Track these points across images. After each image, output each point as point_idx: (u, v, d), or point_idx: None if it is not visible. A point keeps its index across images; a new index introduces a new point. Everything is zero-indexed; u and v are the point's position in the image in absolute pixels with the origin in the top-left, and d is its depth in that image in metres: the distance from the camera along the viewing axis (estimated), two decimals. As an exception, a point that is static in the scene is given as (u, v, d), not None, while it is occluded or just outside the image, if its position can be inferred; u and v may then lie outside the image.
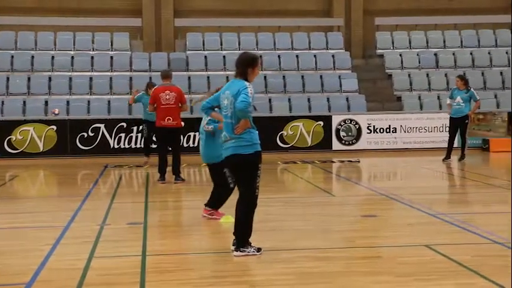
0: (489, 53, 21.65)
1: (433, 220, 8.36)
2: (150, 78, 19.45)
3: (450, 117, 15.54)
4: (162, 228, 8.36)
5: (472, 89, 15.40)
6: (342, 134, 18.54)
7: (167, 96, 12.06)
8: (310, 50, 21.67)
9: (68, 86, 19.55)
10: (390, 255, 6.64)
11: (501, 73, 20.94)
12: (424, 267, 6.04)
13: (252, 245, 6.60)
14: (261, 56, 19.57)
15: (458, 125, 15.32)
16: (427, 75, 20.83)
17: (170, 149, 12.32)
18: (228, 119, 6.62)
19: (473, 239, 7.27)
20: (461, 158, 15.39)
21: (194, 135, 17.68)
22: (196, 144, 17.75)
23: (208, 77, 20.11)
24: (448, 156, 15.42)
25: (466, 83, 15.39)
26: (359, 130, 18.57)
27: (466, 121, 15.29)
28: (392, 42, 22.14)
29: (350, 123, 18.56)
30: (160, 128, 12.22)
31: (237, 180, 6.75)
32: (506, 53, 21.64)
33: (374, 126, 18.64)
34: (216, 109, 7.22)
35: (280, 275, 5.87)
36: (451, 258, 6.28)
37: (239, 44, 21.37)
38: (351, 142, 18.53)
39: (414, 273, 5.84)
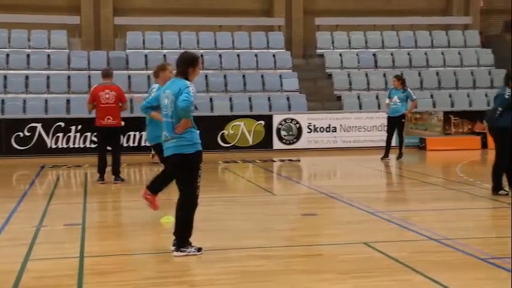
0: (425, 53, 22.10)
1: (371, 218, 8.49)
2: (89, 77, 19.21)
3: (388, 117, 15.81)
4: (101, 229, 8.24)
5: (408, 89, 15.71)
6: (283, 133, 18.64)
7: (107, 95, 11.91)
8: (251, 49, 21.72)
9: (2, 85, 19.06)
10: (330, 253, 6.72)
11: (437, 73, 21.42)
12: (363, 265, 6.12)
13: (192, 245, 6.57)
14: (202, 55, 19.51)
15: (395, 124, 15.61)
16: (366, 75, 21.14)
17: (109, 148, 12.17)
18: (169, 118, 6.57)
19: (410, 236, 7.42)
20: (399, 156, 15.68)
21: (134, 135, 17.50)
22: (136, 144, 17.59)
23: (148, 76, 19.90)
24: (386, 155, 15.69)
25: (403, 82, 15.69)
26: (299, 129, 18.71)
27: (403, 120, 15.59)
28: (332, 42, 22.39)
29: (291, 122, 18.68)
30: (99, 127, 12.05)
31: (177, 180, 6.72)
32: (442, 53, 22.14)
33: (314, 125, 18.81)
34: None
35: (222, 275, 5.86)
36: (389, 255, 6.39)
37: (180, 43, 21.25)
38: (291, 141, 18.65)
39: (353, 271, 5.91)
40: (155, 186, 8.26)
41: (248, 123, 18.48)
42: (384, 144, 15.98)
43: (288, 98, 19.80)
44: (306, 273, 5.88)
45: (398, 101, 15.49)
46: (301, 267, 6.09)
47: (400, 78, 15.84)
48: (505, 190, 9.83)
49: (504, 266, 5.93)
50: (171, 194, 8.15)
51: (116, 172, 12.07)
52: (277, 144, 18.56)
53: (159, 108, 6.87)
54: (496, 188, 9.96)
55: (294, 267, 6.11)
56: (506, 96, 9.82)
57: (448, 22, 24.02)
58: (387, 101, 15.81)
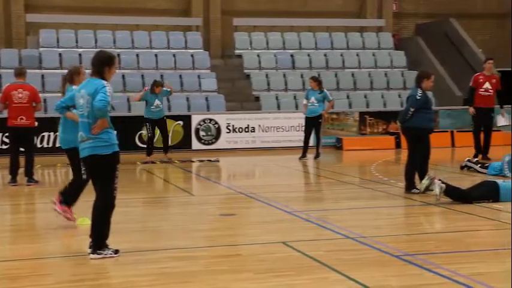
0: (341, 55, 22.52)
1: (289, 217, 8.59)
2: (0, 76, 18.58)
3: (305, 117, 16.03)
4: (13, 232, 7.99)
5: (325, 90, 15.96)
6: (202, 133, 18.60)
7: (20, 95, 11.57)
8: (169, 49, 21.56)
9: None
10: (249, 252, 6.75)
11: (352, 74, 21.86)
12: (281, 264, 6.18)
13: (109, 247, 6.47)
14: (118, 55, 19.22)
15: (313, 124, 15.84)
16: (284, 75, 21.36)
17: (22, 149, 11.82)
18: (85, 118, 6.46)
19: (327, 234, 7.54)
20: (317, 156, 15.91)
21: (49, 135, 17.06)
22: (51, 145, 17.14)
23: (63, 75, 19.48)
24: (304, 155, 15.90)
25: (320, 83, 15.93)
26: (218, 130, 18.71)
27: (320, 120, 15.84)
28: (250, 43, 22.50)
29: (209, 122, 18.66)
30: (12, 127, 11.69)
31: (94, 182, 6.60)
32: (357, 55, 22.62)
33: (233, 125, 18.85)
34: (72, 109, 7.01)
35: (140, 276, 5.79)
36: (307, 254, 6.48)
37: (96, 42, 20.84)
38: (210, 141, 18.63)
39: (272, 270, 5.96)
40: (69, 198, 8.08)
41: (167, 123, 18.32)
42: (301, 144, 16.18)
43: (206, 98, 19.77)
44: (226, 273, 5.89)
45: (316, 101, 15.72)
46: (220, 267, 6.10)
47: (316, 80, 16.08)
48: (417, 188, 10.14)
49: (415, 262, 6.12)
50: (87, 195, 7.99)
51: (29, 174, 11.73)
52: (196, 144, 18.50)
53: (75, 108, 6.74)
54: (409, 186, 10.26)
55: (213, 268, 6.11)
56: (418, 97, 10.13)
57: (363, 24, 24.57)
58: (305, 101, 16.02)
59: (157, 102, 15.42)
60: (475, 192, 9.26)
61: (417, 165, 10.25)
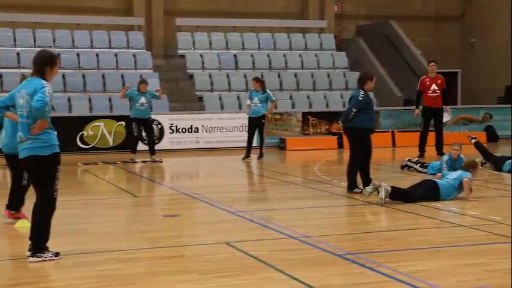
0: (284, 55, 22.66)
1: (233, 218, 8.59)
2: None
3: (249, 117, 16.06)
4: (-50, 236, 7.75)
5: (268, 90, 16.01)
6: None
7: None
8: (110, 48, 21.29)
9: None
10: (193, 253, 6.72)
11: (295, 75, 22.01)
12: (225, 264, 6.18)
13: (49, 249, 6.35)
14: (58, 54, 18.84)
15: (256, 124, 15.88)
16: (227, 75, 21.35)
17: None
18: (24, 118, 6.33)
19: (271, 234, 7.57)
20: (260, 156, 15.95)
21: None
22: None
23: (1, 75, 19.03)
24: (247, 155, 15.93)
25: (262, 84, 15.98)
26: (161, 130, 18.57)
27: (263, 121, 15.88)
28: (193, 43, 22.41)
29: (152, 123, 18.48)
30: None
31: (34, 183, 6.47)
32: (300, 56, 22.79)
33: (176, 126, 18.74)
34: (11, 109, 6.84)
35: (81, 279, 5.70)
36: (250, 254, 6.49)
37: (34, 41, 20.42)
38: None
39: (216, 270, 5.95)
40: (14, 203, 7.97)
41: (108, 124, 18.11)
42: (245, 144, 16.20)
43: (149, 99, 19.57)
44: (169, 275, 5.85)
45: (259, 102, 15.77)
46: (163, 269, 6.05)
47: (259, 80, 16.13)
48: (359, 188, 10.28)
49: (358, 261, 6.20)
50: (28, 197, 7.83)
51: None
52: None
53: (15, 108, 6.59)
54: (351, 186, 10.39)
55: (156, 269, 6.06)
56: (361, 98, 10.26)
57: (305, 25, 24.77)
58: (248, 102, 16.06)
59: (142, 100, 15.47)
60: (417, 192, 9.43)
61: (359, 165, 10.39)
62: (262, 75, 19.90)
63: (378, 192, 9.22)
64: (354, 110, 10.19)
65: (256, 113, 15.79)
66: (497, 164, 12.90)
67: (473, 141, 13.62)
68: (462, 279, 5.55)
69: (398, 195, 9.34)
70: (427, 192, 9.43)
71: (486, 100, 23.60)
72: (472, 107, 22.31)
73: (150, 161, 15.53)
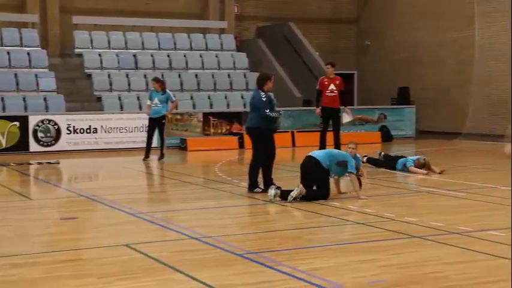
0: (185, 55, 22.59)
1: (133, 219, 8.50)
2: None
3: (149, 118, 15.91)
4: None
5: (168, 91, 15.93)
6: (40, 134, 17.91)
7: None
8: (2, 46, 20.56)
9: None
10: (92, 256, 6.60)
11: (196, 75, 21.99)
12: (125, 267, 6.10)
13: None
14: None
15: (156, 125, 15.75)
16: (127, 75, 21.07)
17: None
18: None
19: (172, 235, 7.54)
20: (161, 157, 15.85)
21: None
22: None
23: None
24: (147, 156, 15.78)
25: (162, 84, 15.88)
26: (58, 131, 18.11)
27: (164, 121, 15.78)
28: (91, 42, 21.97)
29: (48, 123, 18.01)
30: None
31: None
32: (200, 56, 22.79)
33: (74, 126, 18.33)
34: None
35: (-26, 287, 5.49)
36: (151, 256, 6.44)
37: None
38: (49, 143, 17.99)
39: (116, 273, 5.87)
40: None
41: (1, 124, 17.51)
42: (145, 145, 16.03)
43: (45, 99, 19.05)
44: (67, 279, 5.72)
45: (159, 102, 15.66)
46: (62, 273, 5.91)
47: (159, 81, 16.02)
48: (260, 188, 10.39)
49: (258, 260, 6.28)
50: None
51: None
52: (34, 146, 17.79)
53: None
54: (252, 186, 10.49)
55: (55, 274, 5.91)
56: (264, 99, 10.38)
57: (205, 26, 24.79)
58: (148, 102, 15.92)
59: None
60: (325, 190, 9.62)
61: (261, 165, 10.50)
62: (162, 75, 19.79)
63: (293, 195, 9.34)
64: (267, 111, 10.27)
65: (157, 114, 15.67)
66: (391, 163, 13.37)
67: (365, 159, 13.92)
68: (358, 275, 5.73)
69: (310, 196, 9.47)
70: (311, 176, 9.58)
71: (381, 101, 24.45)
72: (367, 108, 23.05)
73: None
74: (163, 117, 15.73)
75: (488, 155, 16.97)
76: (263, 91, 10.45)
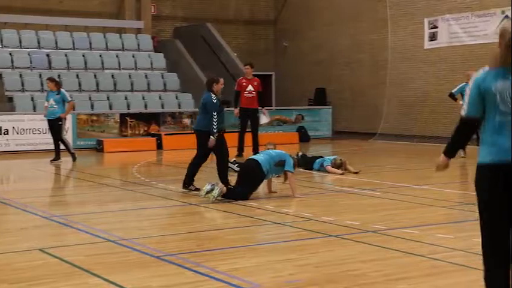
0: (100, 55, 22.19)
1: (47, 223, 8.27)
2: None
3: (47, 120, 15.44)
4: None
5: (63, 90, 15.46)
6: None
7: None
8: None
9: None
10: (4, 262, 6.37)
11: (112, 76, 21.65)
12: (38, 272, 5.92)
13: None
14: None
15: (52, 126, 15.34)
16: (40, 75, 20.50)
17: None
18: None
19: (87, 238, 7.37)
20: (73, 159, 15.40)
21: None
22: None
23: None
24: (57, 157, 15.36)
25: (57, 84, 15.50)
26: (-33, 132, 17.44)
27: (60, 123, 15.33)
28: (1, 40, 21.27)
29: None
30: None
31: None
32: (117, 56, 22.44)
33: (-16, 128, 17.69)
34: None
35: None
36: (65, 260, 6.28)
37: None
38: (-42, 145, 17.28)
39: (30, 279, 5.69)
40: None
41: None
42: (61, 147, 15.59)
43: (-47, 99, 18.31)
44: (-24, 287, 5.50)
45: (54, 103, 15.21)
46: (-30, 281, 5.68)
47: (53, 80, 15.63)
48: (193, 186, 10.40)
49: (177, 261, 6.22)
50: None
51: None
52: None
53: None
54: (187, 183, 10.49)
55: (-38, 282, 5.67)
56: (214, 101, 10.46)
57: (122, 26, 24.43)
58: (46, 103, 15.47)
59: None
60: (247, 191, 9.67)
61: (200, 165, 10.57)
62: (77, 75, 19.39)
63: (212, 192, 9.36)
64: (215, 114, 10.31)
65: (52, 115, 15.23)
66: (309, 163, 13.54)
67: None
68: (276, 274, 5.76)
69: (231, 195, 9.53)
70: (249, 176, 9.66)
71: (298, 102, 24.75)
72: (285, 109, 23.29)
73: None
74: (59, 119, 15.27)
75: (401, 154, 17.45)
76: (213, 93, 10.55)
